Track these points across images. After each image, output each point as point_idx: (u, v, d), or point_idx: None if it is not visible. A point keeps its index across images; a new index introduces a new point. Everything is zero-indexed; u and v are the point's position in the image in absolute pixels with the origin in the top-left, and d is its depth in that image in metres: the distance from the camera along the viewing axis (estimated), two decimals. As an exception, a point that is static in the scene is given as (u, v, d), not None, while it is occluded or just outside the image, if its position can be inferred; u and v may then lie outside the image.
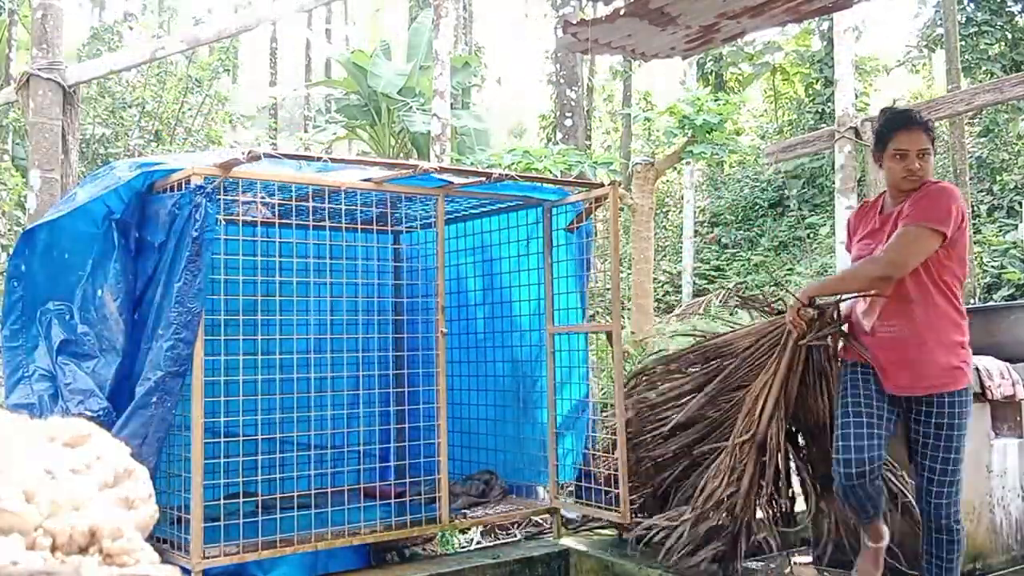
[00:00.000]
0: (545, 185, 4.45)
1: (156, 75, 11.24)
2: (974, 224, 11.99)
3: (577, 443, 4.46)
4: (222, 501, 3.51)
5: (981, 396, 4.00)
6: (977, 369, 4.01)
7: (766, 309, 3.86)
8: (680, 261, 18.68)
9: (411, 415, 4.28)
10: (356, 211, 4.10)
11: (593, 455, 4.27)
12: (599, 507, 4.14)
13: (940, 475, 3.10)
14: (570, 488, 4.71)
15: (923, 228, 2.98)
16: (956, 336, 3.09)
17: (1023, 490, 4.13)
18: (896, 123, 3.15)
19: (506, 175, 3.88)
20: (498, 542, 4.30)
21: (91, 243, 3.32)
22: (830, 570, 4.13)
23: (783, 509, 3.91)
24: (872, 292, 3.13)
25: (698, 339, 4.13)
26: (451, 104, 10.55)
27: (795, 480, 5.25)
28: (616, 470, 3.99)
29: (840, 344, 3.40)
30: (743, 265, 17.77)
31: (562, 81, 12.68)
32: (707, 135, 11.32)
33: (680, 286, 18.16)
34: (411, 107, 15.05)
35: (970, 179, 12.18)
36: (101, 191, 3.34)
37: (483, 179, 3.90)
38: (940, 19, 14.04)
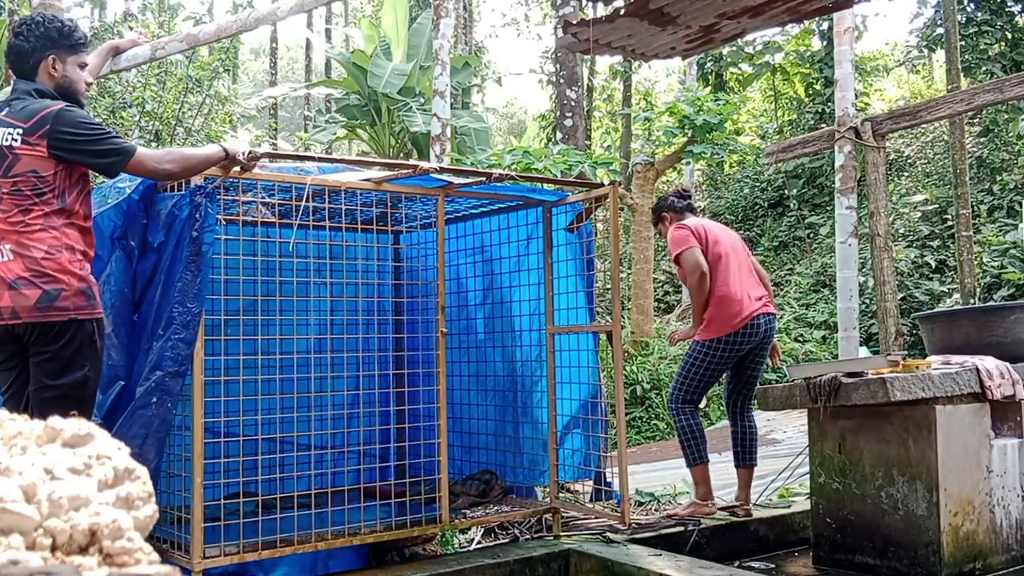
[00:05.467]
0: (545, 185, 4.45)
1: (156, 75, 11.24)
2: (974, 224, 12.00)
3: (585, 443, 4.46)
4: (222, 501, 3.51)
5: (981, 396, 4.00)
6: (977, 369, 4.01)
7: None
8: (680, 261, 18.65)
9: (411, 415, 4.28)
10: (356, 211, 4.10)
11: (602, 455, 4.28)
12: (600, 507, 4.15)
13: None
14: (572, 487, 4.71)
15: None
16: None
17: (1023, 490, 4.13)
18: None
19: (506, 175, 3.88)
20: (498, 542, 4.31)
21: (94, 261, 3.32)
22: (830, 570, 4.13)
23: None
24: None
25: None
26: (451, 104, 10.55)
27: (796, 481, 5.26)
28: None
29: None
30: (743, 265, 17.75)
31: (562, 81, 12.68)
32: (707, 135, 11.33)
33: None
34: (411, 107, 15.05)
35: (970, 179, 12.18)
36: (103, 207, 3.34)
37: (483, 179, 3.90)
38: (940, 19, 14.04)
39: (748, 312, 4.50)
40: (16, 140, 2.88)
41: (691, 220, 4.70)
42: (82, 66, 3.12)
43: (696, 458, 4.58)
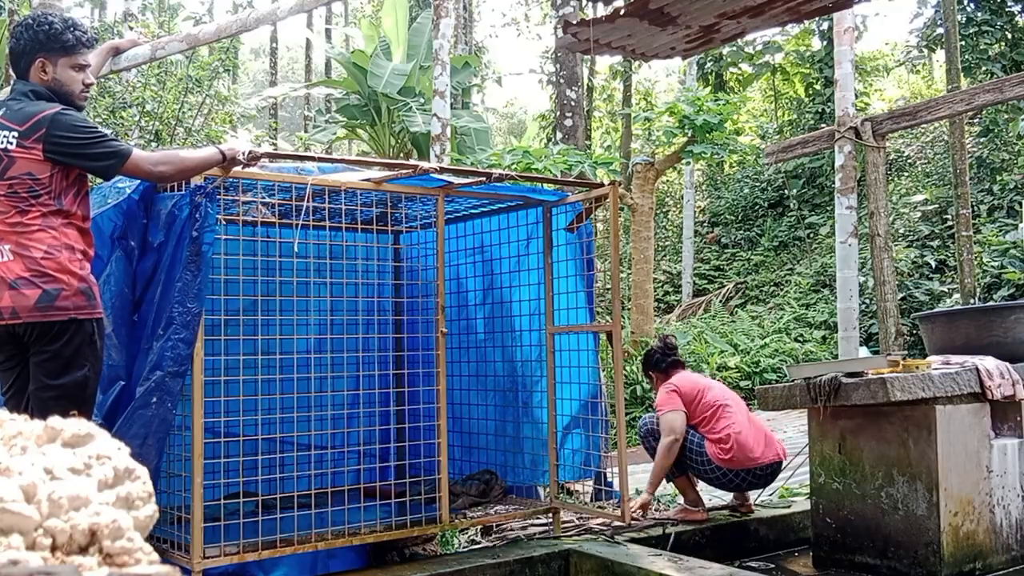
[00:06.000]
0: (545, 185, 4.44)
1: (156, 75, 11.24)
2: (974, 224, 11.99)
3: (585, 443, 4.46)
4: (222, 501, 3.51)
5: (981, 396, 4.00)
6: (977, 369, 4.01)
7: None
8: (680, 261, 18.69)
9: (411, 415, 4.28)
10: (356, 211, 4.10)
11: (603, 455, 4.28)
12: (599, 507, 4.14)
13: None
14: (571, 487, 4.71)
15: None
16: None
17: (1023, 490, 4.13)
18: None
19: (506, 175, 3.88)
20: (498, 542, 4.31)
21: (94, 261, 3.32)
22: (830, 570, 4.13)
23: None
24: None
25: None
26: (451, 104, 10.55)
27: (796, 481, 5.26)
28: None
29: None
30: (743, 265, 17.79)
31: (562, 81, 12.67)
32: (707, 135, 11.32)
33: (680, 286, 18.17)
34: (411, 107, 15.04)
35: (970, 179, 12.17)
36: (104, 207, 3.33)
37: (483, 179, 3.90)
38: (940, 19, 14.04)
39: (766, 459, 4.43)
40: (12, 143, 2.87)
41: (679, 378, 4.64)
42: (78, 67, 3.07)
43: (675, 473, 4.57)
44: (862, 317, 10.97)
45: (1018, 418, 4.17)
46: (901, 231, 14.27)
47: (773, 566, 4.35)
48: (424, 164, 3.78)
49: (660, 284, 18.41)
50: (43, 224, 2.88)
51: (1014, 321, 4.33)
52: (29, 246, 2.85)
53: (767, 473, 4.48)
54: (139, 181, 3.32)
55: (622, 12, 3.57)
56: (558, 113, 12.80)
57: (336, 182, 3.67)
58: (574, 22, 3.85)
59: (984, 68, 14.16)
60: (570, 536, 4.19)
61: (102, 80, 9.47)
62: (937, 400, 3.85)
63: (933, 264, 13.17)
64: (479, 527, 4.42)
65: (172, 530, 3.30)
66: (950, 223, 13.15)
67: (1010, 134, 13.99)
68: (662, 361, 4.75)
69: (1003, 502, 4.04)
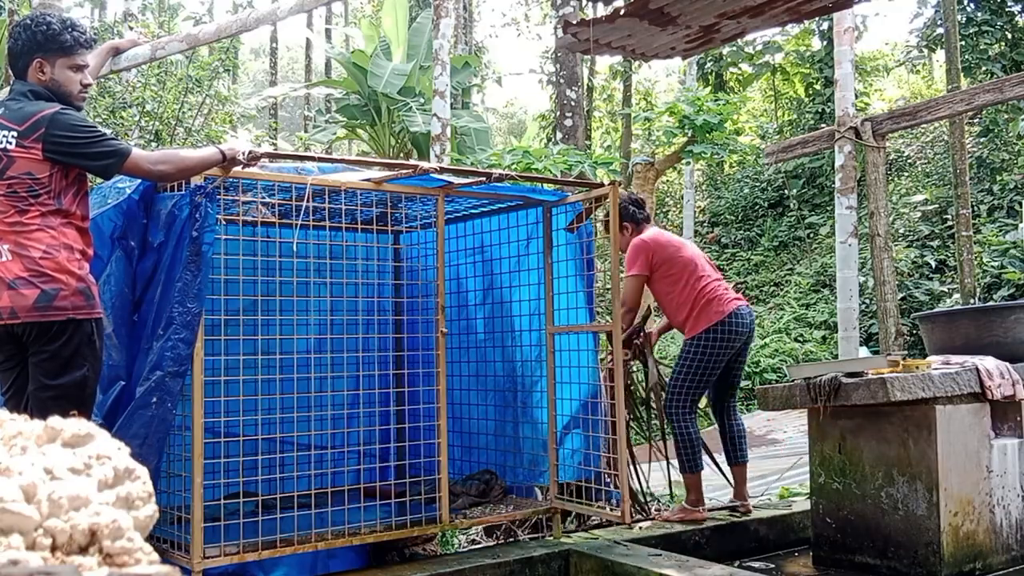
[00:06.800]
0: (545, 185, 4.44)
1: (156, 75, 11.23)
2: (974, 224, 11.99)
3: (585, 443, 4.46)
4: (222, 501, 3.51)
5: (981, 396, 4.00)
6: (977, 369, 4.02)
7: None
8: (680, 261, 18.65)
9: (411, 415, 4.28)
10: (356, 211, 4.10)
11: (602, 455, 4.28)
12: (599, 507, 4.14)
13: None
14: (572, 487, 4.71)
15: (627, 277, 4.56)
16: None
17: (1023, 490, 4.13)
18: None
19: (506, 175, 3.88)
20: (498, 542, 4.31)
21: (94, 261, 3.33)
22: (830, 570, 4.13)
23: None
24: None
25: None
26: (451, 104, 10.54)
27: (795, 481, 5.26)
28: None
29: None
30: (743, 265, 17.79)
31: (562, 81, 12.67)
32: (707, 135, 11.31)
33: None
34: (411, 107, 15.04)
35: (970, 179, 12.17)
36: (104, 207, 3.33)
37: (483, 179, 3.90)
38: (940, 19, 14.04)
39: (731, 305, 4.50)
40: (11, 143, 2.88)
41: (650, 233, 4.67)
42: (76, 68, 3.07)
43: (692, 466, 4.54)
44: (862, 317, 10.97)
45: (1018, 418, 4.17)
46: (901, 231, 14.27)
47: (773, 566, 4.35)
48: (424, 164, 3.78)
49: (660, 284, 18.39)
50: (42, 224, 2.88)
51: (1014, 321, 4.33)
52: (28, 246, 2.85)
53: (742, 316, 4.52)
54: (139, 181, 3.32)
55: (622, 12, 3.57)
56: (558, 113, 12.80)
57: (336, 182, 3.67)
58: (574, 22, 3.85)
59: (984, 68, 14.16)
60: (570, 536, 4.19)
61: (102, 80, 9.47)
62: (937, 400, 3.86)
63: (933, 264, 13.16)
64: (479, 527, 4.41)
65: (172, 530, 3.30)
66: (950, 223, 13.15)
67: (1010, 134, 13.99)
68: (638, 215, 4.78)
69: (1003, 502, 4.04)
